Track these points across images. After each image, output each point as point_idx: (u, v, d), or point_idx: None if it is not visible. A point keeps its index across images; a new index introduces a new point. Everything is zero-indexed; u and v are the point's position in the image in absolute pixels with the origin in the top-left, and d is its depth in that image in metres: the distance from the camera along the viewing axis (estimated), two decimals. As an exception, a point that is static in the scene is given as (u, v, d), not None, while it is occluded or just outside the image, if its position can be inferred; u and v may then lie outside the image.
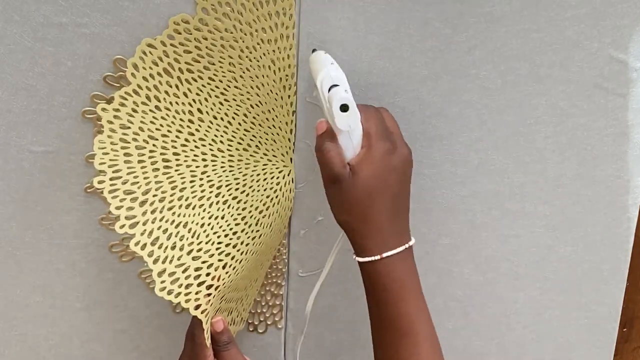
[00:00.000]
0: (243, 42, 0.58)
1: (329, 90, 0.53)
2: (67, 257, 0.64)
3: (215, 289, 0.56)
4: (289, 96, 0.61)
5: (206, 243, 0.58)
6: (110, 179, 0.54)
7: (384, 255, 0.53)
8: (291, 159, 0.63)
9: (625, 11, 0.60)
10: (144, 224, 0.55)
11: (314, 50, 0.58)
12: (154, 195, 0.56)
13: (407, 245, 0.54)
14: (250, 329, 0.69)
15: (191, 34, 0.57)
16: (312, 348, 0.70)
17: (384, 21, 0.59)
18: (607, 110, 0.63)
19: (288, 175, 0.63)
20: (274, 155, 0.62)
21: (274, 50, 0.59)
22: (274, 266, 0.67)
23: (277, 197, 0.62)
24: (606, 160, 0.65)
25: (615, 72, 0.62)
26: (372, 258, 0.53)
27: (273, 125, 0.61)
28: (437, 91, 0.62)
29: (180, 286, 0.54)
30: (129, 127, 0.56)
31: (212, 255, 0.57)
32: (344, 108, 0.52)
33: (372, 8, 0.58)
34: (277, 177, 0.63)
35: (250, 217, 0.61)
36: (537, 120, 0.63)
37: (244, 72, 0.59)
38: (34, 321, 0.65)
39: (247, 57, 0.58)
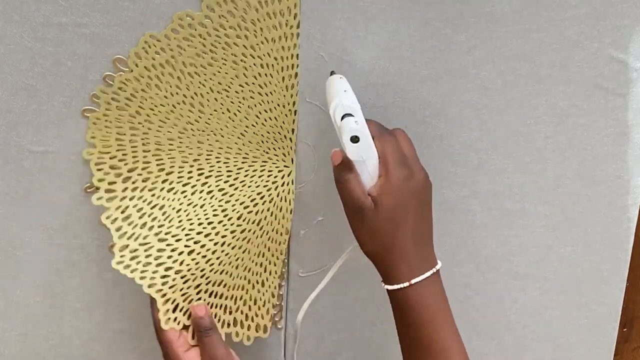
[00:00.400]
0: (247, 39, 0.58)
1: (342, 119, 0.53)
2: (67, 257, 0.64)
3: (177, 272, 0.58)
4: (291, 95, 0.61)
5: (177, 228, 0.60)
6: (99, 152, 0.58)
7: (413, 281, 0.53)
8: (292, 159, 0.63)
9: (625, 11, 0.60)
10: (121, 199, 0.59)
11: (332, 73, 0.59)
12: (139, 174, 0.59)
13: (434, 270, 0.54)
14: (250, 329, 0.69)
15: (195, 29, 0.57)
16: (312, 348, 0.70)
17: (384, 21, 0.59)
18: (607, 110, 0.63)
19: (288, 176, 0.63)
20: (274, 155, 0.62)
21: (277, 49, 0.59)
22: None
23: (270, 195, 0.62)
24: (606, 160, 0.65)
25: (615, 72, 0.62)
26: (401, 285, 0.53)
27: (275, 125, 0.61)
28: (437, 91, 0.62)
29: (138, 263, 0.58)
30: (126, 110, 0.58)
31: (180, 240, 0.59)
32: (355, 139, 0.52)
33: (372, 8, 0.58)
34: (275, 176, 0.63)
35: (233, 210, 0.61)
36: (537, 120, 0.63)
37: (246, 70, 0.59)
38: (34, 321, 0.65)
39: (250, 55, 0.59)
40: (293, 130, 0.62)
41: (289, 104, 0.61)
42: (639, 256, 0.69)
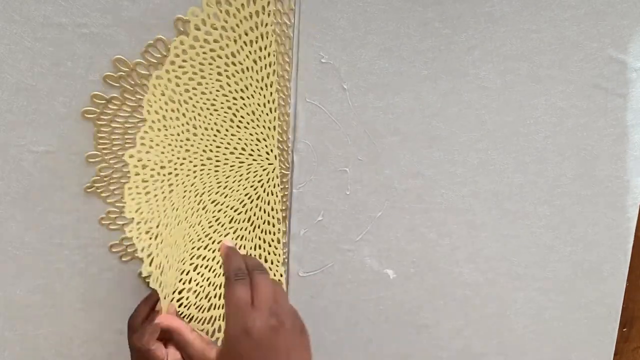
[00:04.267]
0: (228, 48, 0.59)
1: None
2: (67, 257, 0.64)
3: (188, 291, 0.62)
4: (270, 93, 0.61)
5: (182, 252, 0.62)
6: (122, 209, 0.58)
7: None
8: (276, 156, 0.64)
9: (625, 11, 0.60)
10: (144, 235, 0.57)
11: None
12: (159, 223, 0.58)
13: None
14: (250, 329, 0.69)
15: (187, 54, 0.58)
16: (312, 348, 0.70)
17: (384, 21, 0.59)
18: (607, 110, 0.63)
19: (272, 172, 0.64)
20: (259, 155, 0.63)
21: (255, 51, 0.60)
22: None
23: (257, 193, 0.64)
24: (606, 160, 0.65)
25: (615, 72, 0.62)
26: None
27: (257, 125, 0.62)
28: (437, 91, 0.62)
29: (160, 284, 0.57)
30: (153, 167, 0.57)
31: (185, 262, 0.62)
32: None
33: (372, 8, 0.58)
34: (260, 175, 0.64)
35: (225, 216, 0.63)
36: (536, 120, 0.63)
37: (229, 79, 0.60)
38: (34, 321, 0.65)
39: (232, 63, 0.59)
40: (275, 127, 0.62)
41: (269, 102, 0.62)
42: (639, 256, 0.69)
